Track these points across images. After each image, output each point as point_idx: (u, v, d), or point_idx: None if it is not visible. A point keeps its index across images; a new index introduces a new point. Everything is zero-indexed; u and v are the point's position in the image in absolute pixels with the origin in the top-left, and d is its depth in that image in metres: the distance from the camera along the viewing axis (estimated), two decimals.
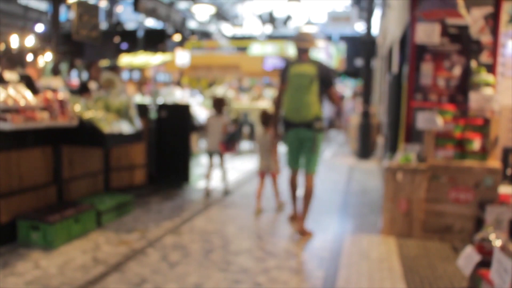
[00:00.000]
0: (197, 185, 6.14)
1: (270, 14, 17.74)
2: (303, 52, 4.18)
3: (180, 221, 4.49)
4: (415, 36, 4.49)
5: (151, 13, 10.14)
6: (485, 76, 4.22)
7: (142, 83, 12.22)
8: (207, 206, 5.13)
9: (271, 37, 19.77)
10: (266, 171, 5.08)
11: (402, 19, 5.68)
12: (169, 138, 5.91)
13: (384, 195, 4.17)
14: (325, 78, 4.10)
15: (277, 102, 4.35)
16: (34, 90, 4.24)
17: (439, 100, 4.55)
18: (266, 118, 5.10)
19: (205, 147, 5.76)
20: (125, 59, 14.25)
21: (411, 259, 3.57)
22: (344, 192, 6.15)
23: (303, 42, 4.17)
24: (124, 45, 15.26)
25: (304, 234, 4.18)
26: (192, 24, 18.50)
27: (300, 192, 4.34)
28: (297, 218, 4.37)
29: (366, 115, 9.19)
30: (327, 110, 13.83)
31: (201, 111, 8.79)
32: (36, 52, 11.07)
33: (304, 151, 4.22)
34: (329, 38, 20.24)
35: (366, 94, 9.40)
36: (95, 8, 6.13)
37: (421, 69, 4.58)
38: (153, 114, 5.89)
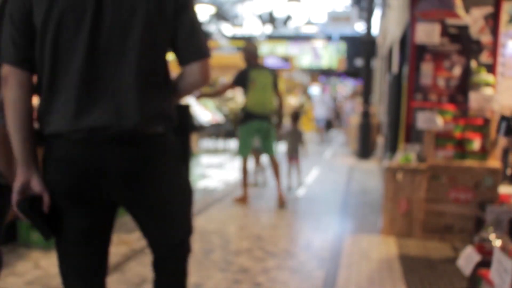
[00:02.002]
0: (197, 185, 6.14)
1: (270, 14, 17.75)
2: (255, 60, 5.06)
3: None
4: (415, 36, 4.49)
5: None
6: (485, 76, 4.22)
7: None
8: (207, 206, 5.13)
9: (271, 37, 19.79)
10: (294, 157, 6.20)
11: (402, 19, 5.69)
12: None
13: (384, 195, 4.17)
14: (276, 81, 5.08)
15: (217, 92, 5.54)
16: None
17: (439, 100, 4.56)
18: (296, 116, 6.34)
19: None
20: None
21: (411, 259, 3.57)
22: (344, 192, 6.15)
23: (254, 52, 5.07)
24: None
25: (283, 202, 5.11)
26: None
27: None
28: (246, 200, 5.20)
29: (366, 115, 9.19)
30: (324, 111, 13.84)
31: (201, 111, 8.79)
32: None
33: (264, 139, 5.10)
34: (329, 38, 20.24)
35: (366, 94, 9.40)
36: None
37: (421, 69, 4.58)
38: None
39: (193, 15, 1.45)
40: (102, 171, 1.36)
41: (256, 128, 5.00)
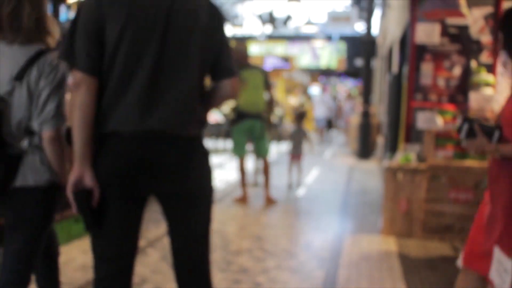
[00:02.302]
0: None
1: (270, 14, 17.74)
2: (246, 60, 5.16)
3: None
4: (415, 36, 4.49)
5: None
6: (485, 76, 4.22)
7: None
8: None
9: (271, 37, 19.79)
10: (297, 154, 6.41)
11: (402, 19, 5.69)
12: None
13: (384, 195, 4.17)
14: (267, 80, 5.16)
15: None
16: None
17: (439, 100, 4.55)
18: (301, 116, 6.70)
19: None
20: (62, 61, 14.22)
21: (411, 259, 3.57)
22: (344, 192, 6.15)
23: (245, 52, 5.20)
24: None
25: (271, 202, 5.22)
26: None
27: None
28: (246, 200, 5.23)
29: (366, 115, 9.19)
30: (324, 110, 13.83)
31: None
32: None
33: (258, 139, 5.18)
34: (329, 38, 20.24)
35: (366, 94, 9.40)
36: None
37: (421, 69, 4.58)
38: None
39: (225, 36, 1.72)
40: (150, 165, 1.58)
41: (248, 127, 5.06)
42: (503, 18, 2.05)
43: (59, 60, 1.73)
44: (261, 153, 5.30)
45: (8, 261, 1.83)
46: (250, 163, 6.72)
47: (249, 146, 5.49)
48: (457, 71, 4.51)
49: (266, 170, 5.28)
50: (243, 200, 5.25)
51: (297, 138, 6.41)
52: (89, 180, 1.55)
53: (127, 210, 1.63)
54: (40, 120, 1.74)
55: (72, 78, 1.57)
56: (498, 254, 1.99)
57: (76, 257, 3.47)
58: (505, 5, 4.18)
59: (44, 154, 1.79)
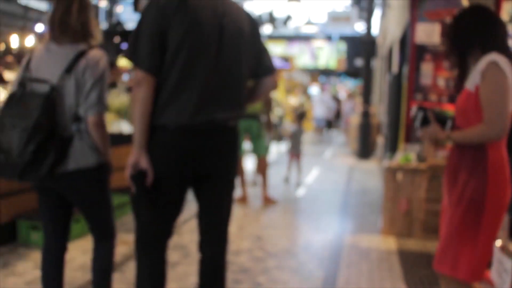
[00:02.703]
0: None
1: (270, 14, 17.72)
2: None
3: (180, 221, 4.49)
4: (415, 36, 4.49)
5: None
6: None
7: None
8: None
9: (271, 37, 19.77)
10: (296, 154, 6.63)
11: (402, 19, 5.69)
12: None
13: (384, 195, 4.17)
14: None
15: None
16: None
17: (439, 100, 4.55)
18: (301, 116, 7.01)
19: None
20: (125, 59, 14.21)
21: (411, 259, 3.57)
22: (344, 192, 6.15)
23: None
24: (124, 45, 15.26)
25: (269, 201, 5.27)
26: None
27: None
28: (246, 200, 5.28)
29: (366, 115, 9.19)
30: (323, 110, 13.81)
31: None
32: None
33: (255, 139, 5.22)
34: (329, 38, 20.23)
35: (366, 94, 9.40)
36: (95, 8, 6.13)
37: (421, 69, 4.58)
38: None
39: (262, 39, 2.08)
40: (196, 152, 1.88)
41: (244, 127, 5.08)
42: (452, 24, 2.06)
43: (99, 57, 2.09)
44: (259, 152, 5.32)
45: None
46: (249, 163, 6.73)
47: (249, 146, 5.52)
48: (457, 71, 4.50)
49: (263, 170, 5.33)
50: (243, 200, 5.26)
51: (297, 138, 6.56)
52: (144, 163, 1.81)
53: (176, 190, 1.93)
54: (85, 107, 2.05)
55: (135, 76, 1.82)
56: (498, 254, 1.99)
57: (76, 257, 3.47)
58: (505, 5, 4.18)
59: (90, 138, 2.10)
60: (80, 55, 2.06)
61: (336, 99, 17.02)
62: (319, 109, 13.81)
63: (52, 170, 2.01)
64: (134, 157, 1.82)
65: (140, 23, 1.83)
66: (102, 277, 2.43)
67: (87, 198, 2.23)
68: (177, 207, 1.98)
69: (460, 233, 1.89)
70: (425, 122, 2.04)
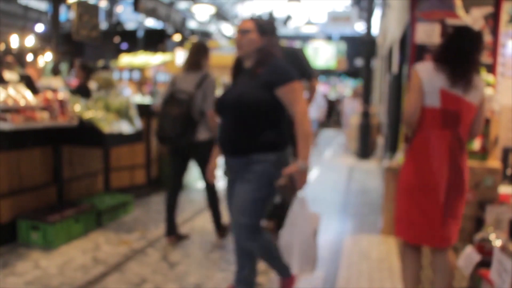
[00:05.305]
0: (196, 185, 6.14)
1: (270, 14, 17.73)
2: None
3: (180, 221, 4.48)
4: (415, 36, 4.49)
5: (151, 13, 10.11)
6: (485, 76, 4.21)
7: (142, 83, 12.20)
8: (207, 206, 5.13)
9: None
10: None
11: (402, 19, 5.69)
12: None
13: (384, 195, 4.17)
14: None
15: None
16: (34, 90, 4.24)
17: None
18: None
19: None
20: (125, 59, 14.22)
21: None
22: (344, 192, 6.15)
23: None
24: (124, 45, 15.26)
25: None
26: (192, 24, 18.47)
27: None
28: None
29: (366, 115, 9.19)
30: (315, 111, 13.74)
31: None
32: (36, 52, 11.07)
33: None
34: (329, 38, 20.22)
35: (366, 94, 9.40)
36: (95, 8, 6.14)
37: None
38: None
39: (305, 59, 3.72)
40: None
41: None
42: (453, 35, 2.49)
43: (211, 79, 3.61)
44: None
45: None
46: None
47: None
48: None
49: None
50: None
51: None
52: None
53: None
54: (207, 106, 3.53)
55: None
56: (498, 254, 1.99)
57: (76, 257, 3.47)
58: (505, 5, 4.19)
59: (207, 123, 3.56)
60: (203, 77, 3.60)
61: (327, 99, 17.00)
62: (312, 110, 13.66)
63: (189, 139, 3.49)
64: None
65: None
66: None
67: (202, 156, 3.51)
68: None
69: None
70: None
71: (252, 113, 2.29)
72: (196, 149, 3.61)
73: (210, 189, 3.83)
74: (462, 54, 2.44)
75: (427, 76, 2.41)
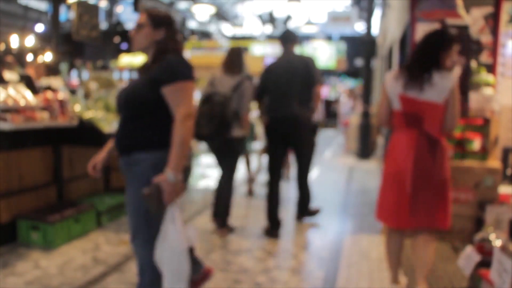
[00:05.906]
0: (196, 185, 6.15)
1: (270, 14, 17.73)
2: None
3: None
4: (415, 36, 4.48)
5: None
6: (485, 76, 4.22)
7: None
8: (206, 206, 5.13)
9: (271, 37, 19.78)
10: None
11: (402, 19, 5.68)
12: None
13: None
14: None
15: None
16: (34, 90, 4.24)
17: None
18: None
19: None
20: (125, 59, 14.23)
21: (411, 259, 3.57)
22: (344, 192, 6.15)
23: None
24: (124, 45, 15.27)
25: (252, 192, 5.82)
26: (192, 24, 18.48)
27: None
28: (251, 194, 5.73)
29: (366, 115, 9.19)
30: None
31: None
32: (36, 52, 11.07)
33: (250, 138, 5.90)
34: (329, 38, 20.23)
35: (366, 94, 9.39)
36: (95, 8, 6.13)
37: None
38: None
39: (314, 68, 4.23)
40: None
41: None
42: (421, 40, 2.71)
43: (249, 83, 4.01)
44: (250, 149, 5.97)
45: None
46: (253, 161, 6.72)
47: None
48: (457, 71, 4.50)
49: (248, 166, 5.85)
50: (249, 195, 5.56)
51: None
52: None
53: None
54: (242, 108, 3.96)
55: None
56: (498, 254, 1.99)
57: (76, 257, 3.47)
58: (505, 5, 4.19)
59: (241, 123, 3.96)
60: (241, 81, 3.97)
61: (324, 100, 17.01)
62: None
63: (224, 137, 3.81)
64: None
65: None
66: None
67: (235, 150, 4.04)
68: None
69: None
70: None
71: (134, 111, 2.12)
72: (230, 144, 3.95)
73: (226, 181, 4.09)
74: (423, 55, 2.64)
75: (389, 83, 2.71)
